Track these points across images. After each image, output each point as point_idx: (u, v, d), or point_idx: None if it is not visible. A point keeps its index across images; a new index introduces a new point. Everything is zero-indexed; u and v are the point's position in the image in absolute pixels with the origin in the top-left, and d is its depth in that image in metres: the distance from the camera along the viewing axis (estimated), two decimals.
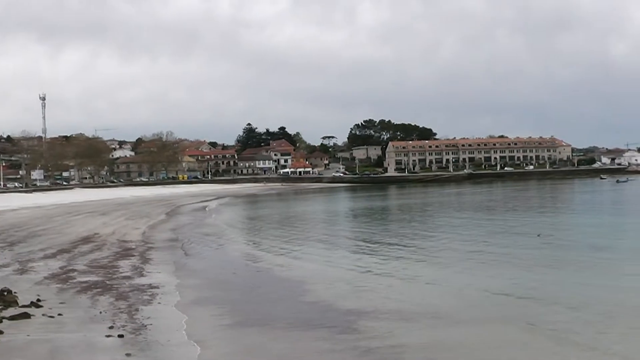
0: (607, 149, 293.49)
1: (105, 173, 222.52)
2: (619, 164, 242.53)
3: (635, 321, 19.27)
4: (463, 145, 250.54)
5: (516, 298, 23.21)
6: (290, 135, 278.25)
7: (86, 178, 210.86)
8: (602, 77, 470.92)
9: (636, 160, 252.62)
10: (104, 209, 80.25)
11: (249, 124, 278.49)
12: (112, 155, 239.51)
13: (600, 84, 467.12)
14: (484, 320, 19.92)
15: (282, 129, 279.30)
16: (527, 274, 28.28)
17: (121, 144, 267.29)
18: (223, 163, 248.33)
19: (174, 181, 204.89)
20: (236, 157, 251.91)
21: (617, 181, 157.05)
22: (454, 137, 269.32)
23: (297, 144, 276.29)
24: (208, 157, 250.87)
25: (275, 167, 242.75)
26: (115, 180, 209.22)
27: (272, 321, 19.58)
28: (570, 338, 17.43)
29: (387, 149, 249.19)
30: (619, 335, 17.62)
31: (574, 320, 19.63)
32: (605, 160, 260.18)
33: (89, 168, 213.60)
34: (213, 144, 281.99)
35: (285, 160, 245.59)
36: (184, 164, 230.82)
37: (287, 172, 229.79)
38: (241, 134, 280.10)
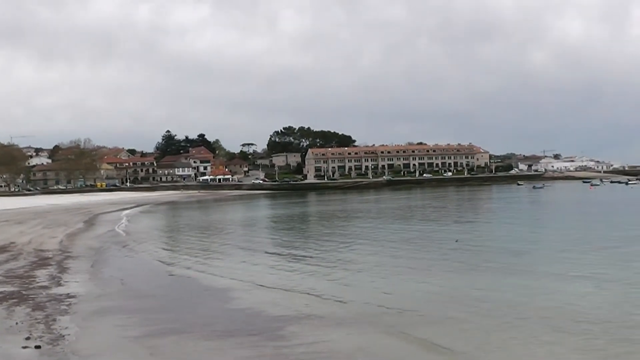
0: (524, 155, 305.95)
1: (21, 181, 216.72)
2: (536, 171, 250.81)
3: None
4: (382, 152, 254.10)
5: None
6: (210, 142, 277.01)
7: (1, 186, 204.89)
8: (520, 86, 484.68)
9: (552, 166, 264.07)
10: (20, 218, 78.00)
11: (168, 131, 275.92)
12: (29, 163, 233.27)
13: (518, 92, 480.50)
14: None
15: (202, 136, 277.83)
16: (444, 279, 28.85)
17: (38, 151, 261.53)
18: (142, 171, 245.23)
19: (92, 189, 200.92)
20: (155, 164, 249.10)
21: (534, 187, 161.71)
22: (373, 144, 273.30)
23: (217, 151, 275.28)
24: (127, 164, 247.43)
25: (195, 174, 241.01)
26: (31, 189, 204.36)
27: (191, 330, 19.38)
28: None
29: (307, 156, 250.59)
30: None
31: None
32: (523, 166, 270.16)
33: (4, 176, 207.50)
34: (132, 152, 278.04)
35: (205, 168, 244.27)
36: (102, 172, 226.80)
37: (207, 180, 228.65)
38: (160, 141, 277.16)
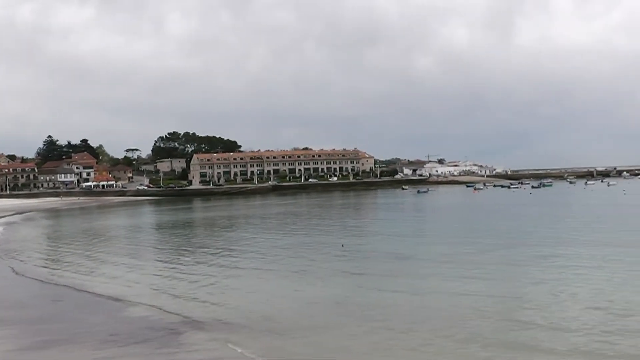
0: (409, 160, 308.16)
1: None
2: (420, 175, 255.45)
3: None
4: (268, 158, 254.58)
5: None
6: (93, 147, 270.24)
7: None
8: (405, 91, 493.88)
9: (436, 171, 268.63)
10: None
11: (49, 137, 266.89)
12: None
13: (403, 97, 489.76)
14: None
15: (85, 141, 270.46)
16: (329, 284, 30.19)
17: None
18: (22, 177, 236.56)
19: None
20: (36, 170, 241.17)
21: (418, 192, 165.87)
22: (259, 150, 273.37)
23: (100, 157, 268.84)
24: (6, 170, 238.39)
25: (78, 180, 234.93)
26: None
27: (77, 340, 19.29)
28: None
29: (192, 162, 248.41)
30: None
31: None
32: (407, 171, 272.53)
33: None
34: (12, 157, 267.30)
35: (88, 174, 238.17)
36: None
37: (90, 186, 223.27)
38: (42, 146, 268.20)
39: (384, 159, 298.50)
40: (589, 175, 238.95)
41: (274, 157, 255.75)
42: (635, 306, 23.21)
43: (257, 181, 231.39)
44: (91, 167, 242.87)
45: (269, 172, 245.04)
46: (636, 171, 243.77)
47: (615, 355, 17.92)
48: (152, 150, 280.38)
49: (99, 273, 36.54)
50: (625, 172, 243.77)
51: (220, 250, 47.21)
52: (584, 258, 36.00)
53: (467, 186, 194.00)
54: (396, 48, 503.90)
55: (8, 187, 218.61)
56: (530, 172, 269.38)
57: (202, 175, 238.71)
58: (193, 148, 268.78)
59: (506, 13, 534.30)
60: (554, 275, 30.59)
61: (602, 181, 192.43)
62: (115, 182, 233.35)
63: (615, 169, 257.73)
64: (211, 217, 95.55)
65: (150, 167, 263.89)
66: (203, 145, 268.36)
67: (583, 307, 23.69)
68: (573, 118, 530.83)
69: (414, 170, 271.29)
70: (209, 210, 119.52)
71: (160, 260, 42.31)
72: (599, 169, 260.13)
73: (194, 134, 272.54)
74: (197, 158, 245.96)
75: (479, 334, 20.32)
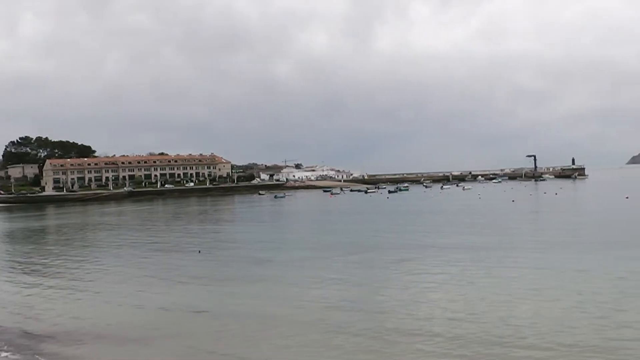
0: (266, 165, 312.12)
1: None
2: (277, 180, 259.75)
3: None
4: (123, 163, 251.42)
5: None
6: None
7: None
8: (264, 96, 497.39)
9: (294, 176, 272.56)
10: None
11: None
12: None
13: (262, 102, 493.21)
14: (152, 337, 22.64)
15: None
16: (185, 290, 31.53)
17: None
18: None
19: None
20: None
21: (275, 197, 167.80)
22: (114, 155, 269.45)
23: None
24: None
25: None
26: None
27: None
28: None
29: (45, 167, 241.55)
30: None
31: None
32: (265, 176, 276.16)
33: None
34: None
35: None
36: None
37: None
38: None
39: (241, 164, 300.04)
40: (445, 179, 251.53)
41: (130, 163, 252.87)
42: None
43: (113, 187, 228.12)
44: None
45: (124, 177, 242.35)
46: (491, 175, 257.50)
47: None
48: (2, 156, 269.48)
49: None
50: (480, 177, 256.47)
51: (72, 257, 47.35)
52: (434, 261, 38.49)
53: (324, 191, 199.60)
54: (256, 53, 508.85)
55: None
56: (387, 176, 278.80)
57: (56, 181, 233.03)
58: (46, 153, 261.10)
59: (365, 19, 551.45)
60: (406, 277, 32.71)
61: (457, 185, 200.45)
62: None
63: (470, 173, 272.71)
64: (65, 224, 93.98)
65: (1, 173, 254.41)
66: (56, 151, 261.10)
67: (433, 307, 25.76)
68: (431, 123, 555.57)
69: (271, 176, 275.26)
70: (62, 217, 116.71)
71: (13, 271, 42.09)
72: (455, 173, 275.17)
73: (46, 138, 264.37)
74: (50, 163, 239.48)
75: (330, 336, 21.77)
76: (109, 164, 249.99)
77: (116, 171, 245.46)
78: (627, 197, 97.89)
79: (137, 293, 31.64)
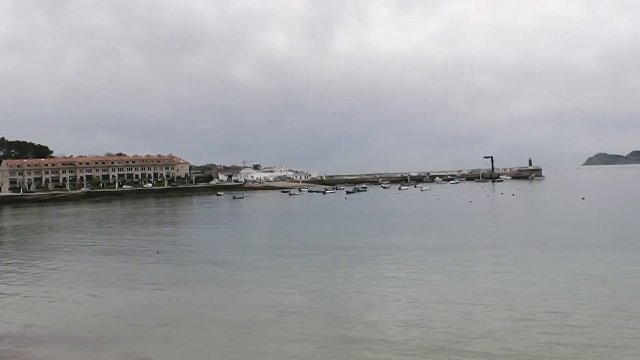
0: (224, 166, 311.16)
1: None
2: (236, 181, 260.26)
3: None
4: (81, 164, 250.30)
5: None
6: None
7: None
8: (223, 97, 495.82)
9: (252, 177, 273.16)
10: None
11: None
12: None
13: (221, 103, 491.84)
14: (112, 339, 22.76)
15: None
16: (140, 294, 31.41)
17: None
18: None
19: None
20: None
21: (234, 197, 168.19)
22: (72, 155, 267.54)
23: None
24: None
25: None
26: None
27: None
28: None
29: (1, 168, 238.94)
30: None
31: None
32: (223, 177, 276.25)
33: None
34: None
35: None
36: None
37: None
38: None
39: (199, 165, 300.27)
40: (403, 180, 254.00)
41: (87, 163, 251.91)
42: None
43: (70, 188, 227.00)
44: None
45: (82, 178, 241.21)
46: (449, 176, 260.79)
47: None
48: None
49: None
50: (438, 178, 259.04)
51: (27, 260, 46.90)
52: (390, 263, 38.93)
53: (283, 192, 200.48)
54: (215, 54, 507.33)
55: None
56: (346, 177, 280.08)
57: (12, 181, 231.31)
58: (2, 153, 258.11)
59: (325, 20, 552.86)
60: (361, 280, 33.02)
61: (415, 186, 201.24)
62: None
63: (428, 174, 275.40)
64: (19, 225, 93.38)
65: None
66: (13, 151, 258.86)
67: (387, 310, 26.01)
68: (389, 124, 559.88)
69: (230, 176, 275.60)
70: (18, 218, 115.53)
71: None
72: (413, 174, 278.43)
73: (2, 138, 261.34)
74: (7, 164, 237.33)
75: (282, 341, 21.85)
76: (67, 165, 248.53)
77: (74, 172, 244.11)
78: (583, 199, 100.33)
79: (91, 296, 31.54)
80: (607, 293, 27.76)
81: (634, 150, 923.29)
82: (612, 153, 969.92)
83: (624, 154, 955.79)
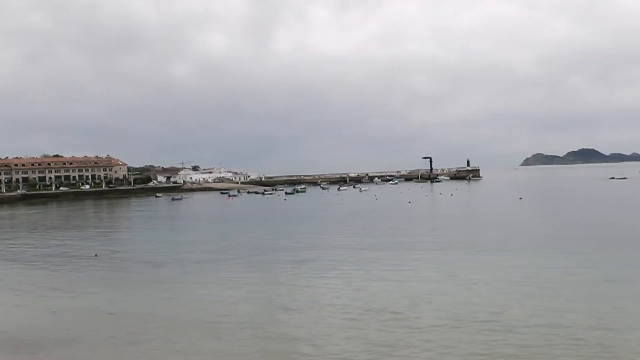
0: (163, 167, 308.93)
1: None
2: (175, 182, 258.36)
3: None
4: (16, 165, 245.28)
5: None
6: None
7: None
8: (161, 98, 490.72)
9: (191, 178, 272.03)
10: None
11: None
12: None
13: (159, 104, 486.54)
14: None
15: None
16: (77, 296, 31.46)
17: None
18: None
19: None
20: None
21: (172, 199, 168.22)
22: (7, 157, 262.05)
23: None
24: None
25: None
26: None
27: None
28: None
29: None
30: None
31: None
32: (162, 178, 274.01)
33: None
34: None
35: None
36: None
37: None
38: None
39: (138, 167, 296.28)
40: (342, 181, 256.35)
41: (23, 165, 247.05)
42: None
43: (5, 190, 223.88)
44: None
45: (17, 180, 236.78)
46: (387, 177, 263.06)
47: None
48: None
49: None
50: (377, 178, 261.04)
51: None
52: (330, 263, 39.56)
53: (222, 193, 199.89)
54: (154, 54, 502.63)
55: None
56: (285, 178, 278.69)
57: None
58: None
59: (264, 21, 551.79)
60: (301, 281, 33.46)
61: (354, 187, 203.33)
62: None
63: (367, 175, 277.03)
64: None
65: None
66: None
67: (329, 310, 26.58)
68: (328, 125, 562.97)
69: (168, 178, 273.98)
70: None
71: None
72: (352, 175, 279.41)
73: None
74: None
75: (217, 344, 22.10)
76: (2, 166, 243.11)
77: (9, 173, 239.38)
78: (520, 199, 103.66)
79: (26, 301, 31.45)
80: (536, 293, 28.50)
81: (570, 151, 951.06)
82: (549, 154, 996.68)
83: (561, 155, 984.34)
